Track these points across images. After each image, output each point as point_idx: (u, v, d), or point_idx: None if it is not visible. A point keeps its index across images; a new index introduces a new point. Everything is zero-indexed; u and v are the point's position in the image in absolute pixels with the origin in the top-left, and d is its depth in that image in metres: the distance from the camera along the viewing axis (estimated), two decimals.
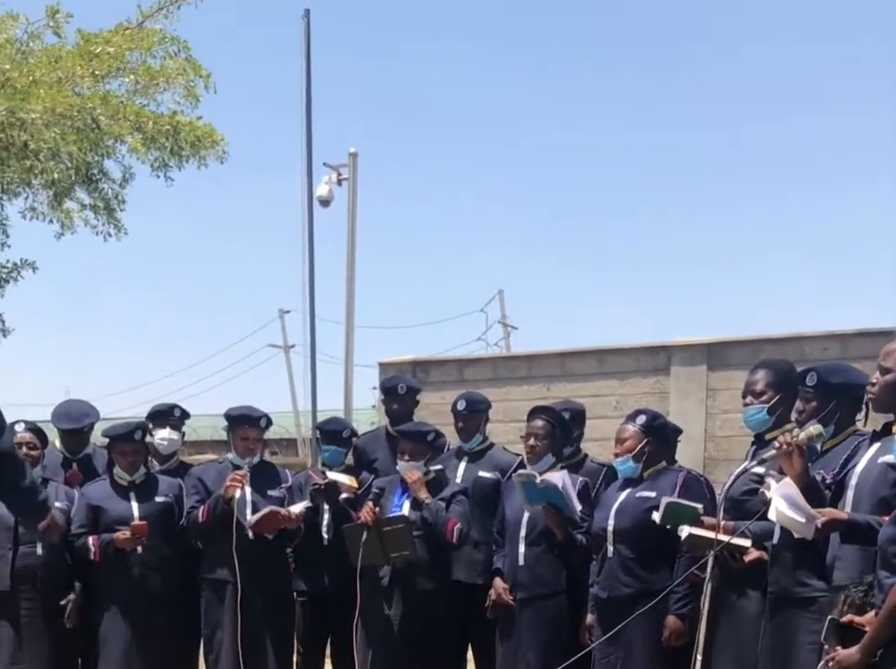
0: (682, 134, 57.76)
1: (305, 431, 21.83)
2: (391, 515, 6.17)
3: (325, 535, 6.55)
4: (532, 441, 6.00)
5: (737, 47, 53.79)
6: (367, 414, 18.66)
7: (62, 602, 6.21)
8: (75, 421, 6.66)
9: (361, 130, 55.15)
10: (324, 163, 17.68)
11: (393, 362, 11.77)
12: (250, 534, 6.28)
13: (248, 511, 6.31)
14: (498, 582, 6.02)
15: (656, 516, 5.19)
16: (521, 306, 57.28)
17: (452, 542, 6.15)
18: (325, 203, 17.29)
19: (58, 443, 6.78)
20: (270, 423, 6.62)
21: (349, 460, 6.94)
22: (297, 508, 6.32)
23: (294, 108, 14.38)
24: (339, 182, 17.71)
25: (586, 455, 6.48)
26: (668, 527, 5.10)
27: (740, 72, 55.19)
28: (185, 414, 7.01)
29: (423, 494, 6.17)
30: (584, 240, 61.95)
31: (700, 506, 5.17)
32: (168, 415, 6.91)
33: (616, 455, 5.63)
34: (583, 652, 5.41)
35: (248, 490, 6.35)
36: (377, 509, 6.14)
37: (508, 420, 7.36)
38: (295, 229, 14.56)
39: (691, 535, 4.96)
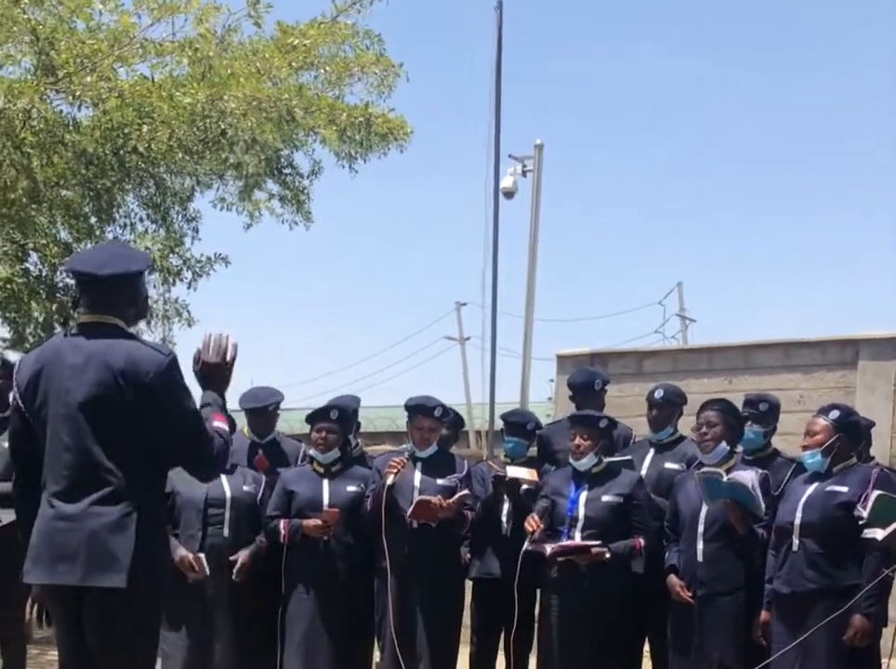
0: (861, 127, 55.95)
1: (479, 423, 21.93)
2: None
3: (505, 525, 6.53)
4: (703, 429, 5.91)
5: None
6: (543, 407, 18.61)
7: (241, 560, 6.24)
8: (260, 400, 6.86)
9: (546, 122, 54.96)
10: (510, 155, 17.65)
11: (572, 355, 11.73)
12: (414, 523, 6.31)
13: (414, 499, 6.30)
14: (674, 578, 5.86)
15: (862, 511, 5.01)
16: (700, 299, 56.36)
17: (639, 557, 6.09)
18: (509, 194, 17.24)
19: (245, 431, 6.95)
20: (447, 413, 6.55)
21: (532, 452, 6.88)
22: (454, 498, 6.26)
23: (480, 100, 14.53)
24: (524, 174, 17.65)
25: (775, 450, 6.29)
26: (864, 521, 4.95)
27: None
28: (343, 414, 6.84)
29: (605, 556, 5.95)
30: (765, 232, 60.69)
31: None
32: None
33: (805, 448, 5.51)
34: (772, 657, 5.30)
35: (417, 477, 6.41)
36: (542, 527, 6.04)
37: (688, 413, 7.25)
38: (476, 220, 14.70)
39: (889, 536, 4.79)
